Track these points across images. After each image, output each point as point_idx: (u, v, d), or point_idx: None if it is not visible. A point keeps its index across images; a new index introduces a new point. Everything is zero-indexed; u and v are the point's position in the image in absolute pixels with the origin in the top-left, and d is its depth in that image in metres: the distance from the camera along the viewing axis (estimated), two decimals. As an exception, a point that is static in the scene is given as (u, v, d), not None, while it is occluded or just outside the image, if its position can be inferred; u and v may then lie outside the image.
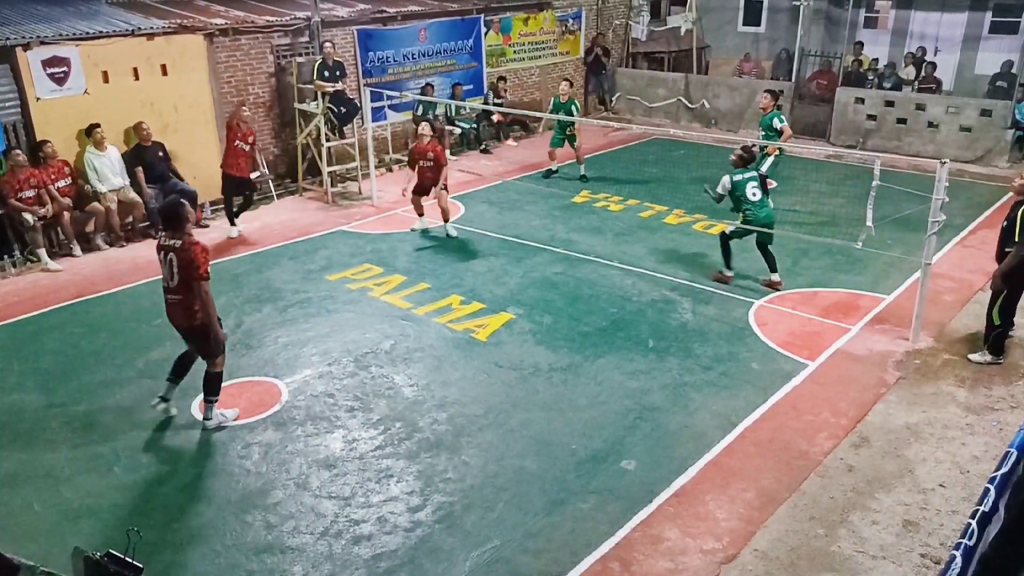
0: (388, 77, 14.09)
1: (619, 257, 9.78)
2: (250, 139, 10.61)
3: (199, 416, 6.49)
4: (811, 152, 13.82)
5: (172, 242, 5.91)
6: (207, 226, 11.08)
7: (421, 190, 10.55)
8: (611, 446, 6.05)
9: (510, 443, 6.11)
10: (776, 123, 10.71)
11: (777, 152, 10.69)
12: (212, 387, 6.26)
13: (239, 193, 10.78)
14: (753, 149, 9.42)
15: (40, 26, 10.04)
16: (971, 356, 7.32)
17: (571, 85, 13.57)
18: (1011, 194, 7.77)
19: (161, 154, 10.73)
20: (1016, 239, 6.93)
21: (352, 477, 5.74)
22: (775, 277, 8.83)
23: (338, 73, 12.16)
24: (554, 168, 13.41)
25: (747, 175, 8.67)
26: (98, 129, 10.13)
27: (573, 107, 12.99)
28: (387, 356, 7.44)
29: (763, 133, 10.90)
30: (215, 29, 11.52)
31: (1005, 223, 7.20)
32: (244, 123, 10.61)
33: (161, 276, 6.12)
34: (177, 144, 10.99)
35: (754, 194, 8.59)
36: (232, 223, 10.86)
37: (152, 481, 5.72)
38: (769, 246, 8.76)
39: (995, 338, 7.22)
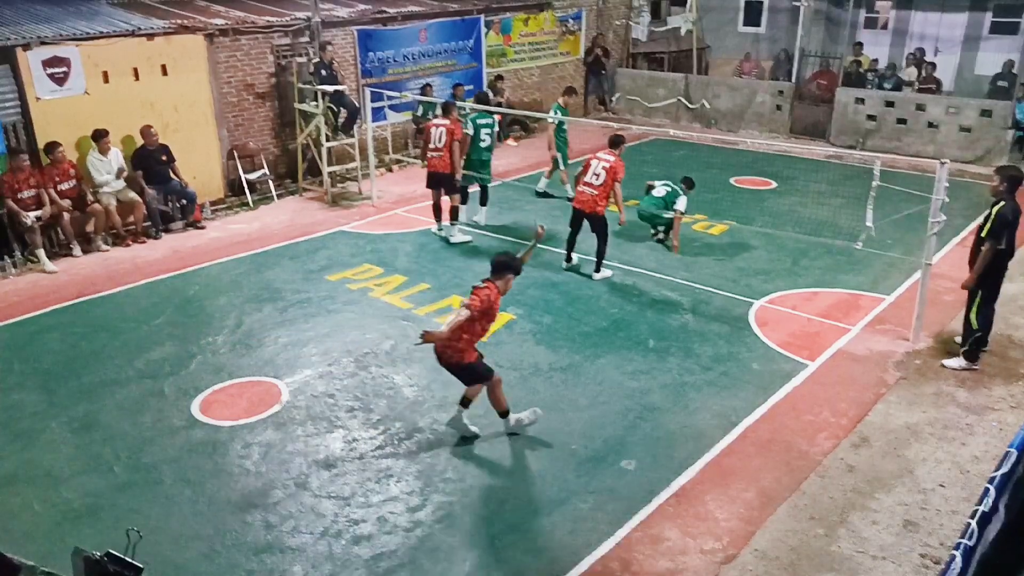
0: (388, 77, 14.09)
1: (619, 257, 9.76)
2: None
3: (199, 416, 6.50)
4: (811, 152, 13.81)
5: (490, 119, 9.86)
6: (204, 227, 11.07)
7: None
8: (611, 446, 6.05)
9: (510, 443, 6.12)
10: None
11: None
12: (453, 215, 10.19)
13: None
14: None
15: (40, 26, 10.04)
16: (946, 362, 7.20)
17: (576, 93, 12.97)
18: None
19: (164, 157, 10.72)
20: (984, 235, 6.88)
21: (352, 477, 5.74)
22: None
23: (331, 71, 12.14)
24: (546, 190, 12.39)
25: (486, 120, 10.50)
26: (106, 138, 10.11)
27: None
28: (387, 356, 7.43)
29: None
30: (215, 29, 11.52)
31: (982, 220, 7.10)
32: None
33: None
34: (177, 144, 10.99)
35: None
36: None
37: (152, 481, 5.72)
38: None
39: (973, 343, 7.10)
